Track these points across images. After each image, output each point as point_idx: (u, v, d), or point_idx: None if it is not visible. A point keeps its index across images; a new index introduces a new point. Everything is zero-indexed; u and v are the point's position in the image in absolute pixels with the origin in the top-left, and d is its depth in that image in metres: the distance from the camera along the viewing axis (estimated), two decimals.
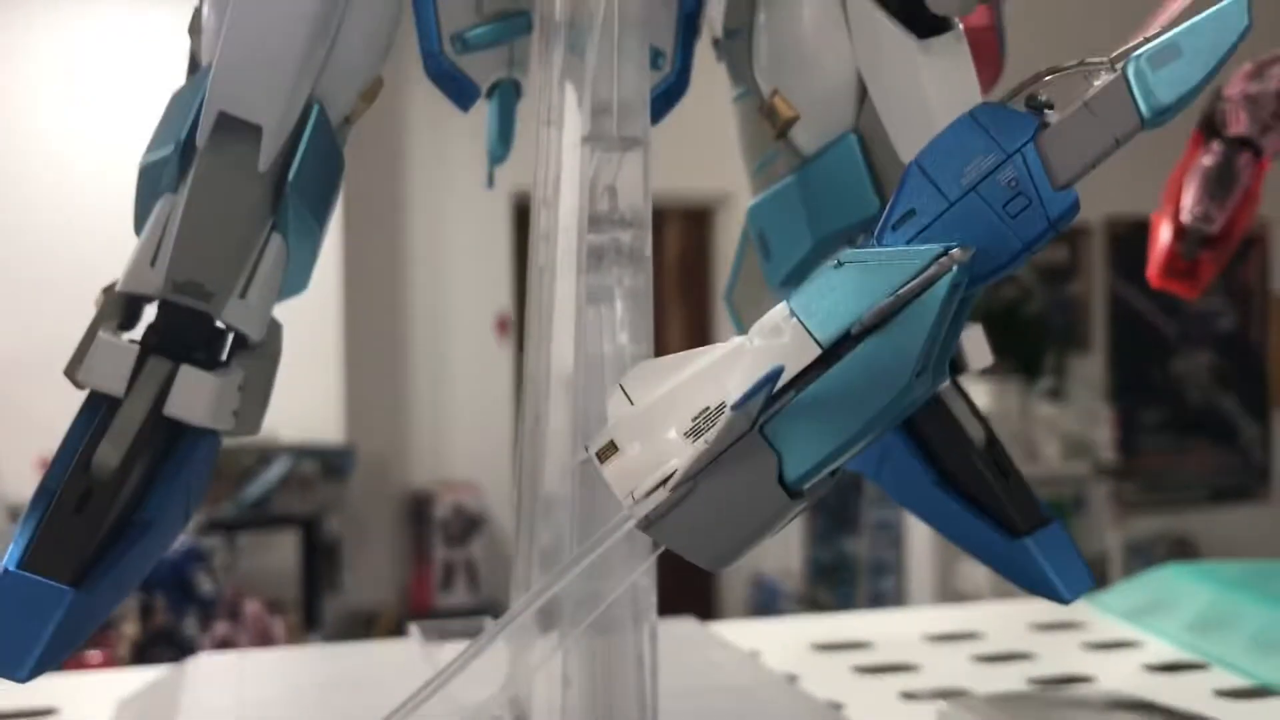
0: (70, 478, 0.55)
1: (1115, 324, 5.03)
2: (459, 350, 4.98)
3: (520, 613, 0.52)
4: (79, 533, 0.54)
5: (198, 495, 0.60)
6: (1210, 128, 1.13)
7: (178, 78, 0.63)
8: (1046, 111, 0.47)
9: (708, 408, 0.47)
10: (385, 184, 4.78)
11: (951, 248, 0.45)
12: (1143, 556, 4.60)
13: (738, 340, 0.48)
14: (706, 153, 3.69)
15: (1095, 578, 0.67)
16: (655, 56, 0.70)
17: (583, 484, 0.58)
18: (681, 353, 0.49)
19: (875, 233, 0.47)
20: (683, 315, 5.24)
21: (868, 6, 0.62)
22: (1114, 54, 0.46)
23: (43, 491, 0.56)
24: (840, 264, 0.46)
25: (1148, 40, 0.45)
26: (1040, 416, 4.60)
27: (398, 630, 4.49)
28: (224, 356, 0.60)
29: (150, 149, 0.59)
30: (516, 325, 4.98)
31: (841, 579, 4.73)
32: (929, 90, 0.60)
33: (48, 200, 4.29)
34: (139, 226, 0.59)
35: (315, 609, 4.20)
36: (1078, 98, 0.46)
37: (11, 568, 0.53)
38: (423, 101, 4.53)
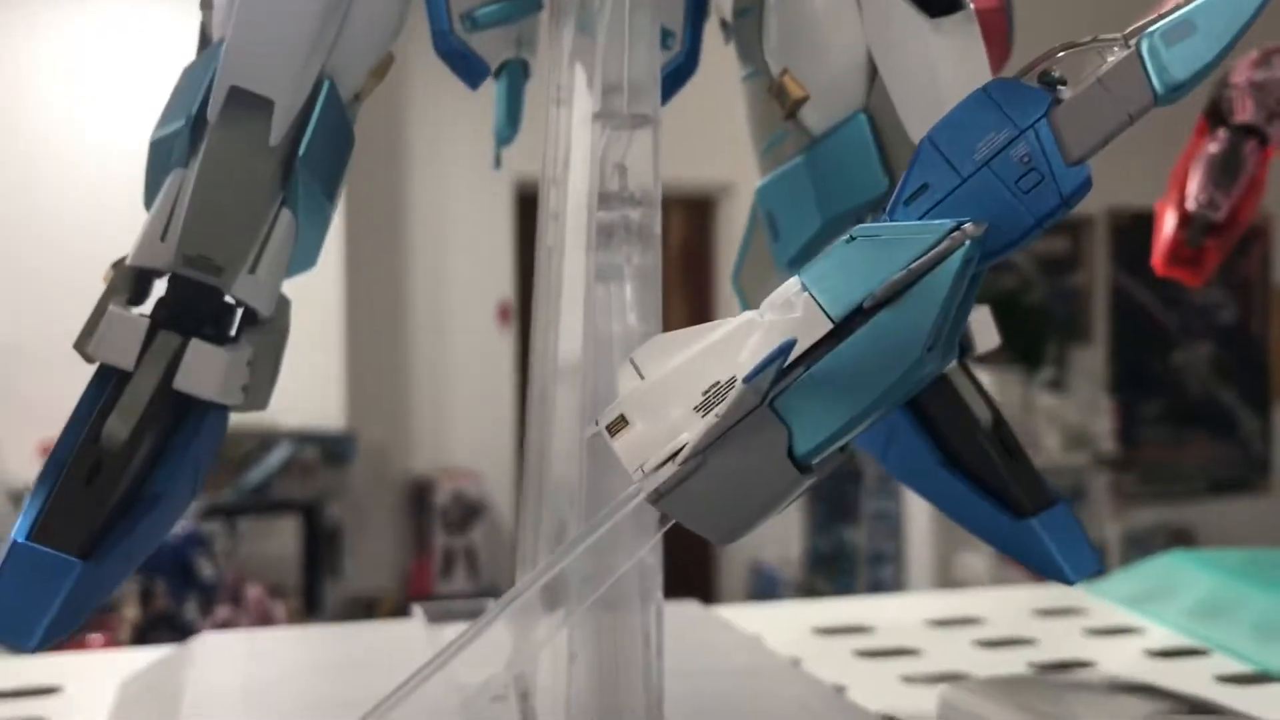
0: (80, 450, 0.55)
1: (1116, 315, 5.04)
2: (460, 338, 4.98)
3: (527, 588, 0.52)
4: (88, 504, 0.54)
5: (205, 470, 0.60)
6: (1216, 115, 1.13)
7: (178, 69, 0.63)
8: (1060, 88, 0.47)
9: (718, 382, 0.47)
10: (387, 171, 4.78)
11: (964, 223, 0.45)
12: (1141, 548, 4.60)
13: (749, 315, 0.48)
14: (708, 142, 3.69)
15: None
16: (665, 36, 0.70)
17: (591, 460, 0.58)
18: (692, 327, 0.49)
19: (888, 208, 0.47)
20: (684, 305, 5.25)
21: None
22: (1127, 30, 0.46)
23: (52, 463, 0.56)
24: (852, 239, 0.47)
25: (1161, 16, 0.45)
26: (1041, 407, 4.60)
27: (398, 616, 4.50)
28: (233, 331, 0.60)
29: (161, 123, 0.59)
30: (518, 313, 4.98)
31: (840, 568, 4.74)
32: (940, 70, 0.60)
33: (50, 189, 4.30)
34: (149, 201, 0.59)
35: (316, 595, 4.21)
36: (1091, 74, 0.46)
37: (21, 539, 0.53)
38: (424, 87, 4.53)
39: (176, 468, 0.57)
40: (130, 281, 0.58)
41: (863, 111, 0.65)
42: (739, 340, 0.47)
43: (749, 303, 0.78)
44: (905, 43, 0.61)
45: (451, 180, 4.89)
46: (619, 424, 0.48)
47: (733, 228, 5.20)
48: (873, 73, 0.64)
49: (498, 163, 0.87)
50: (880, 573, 4.58)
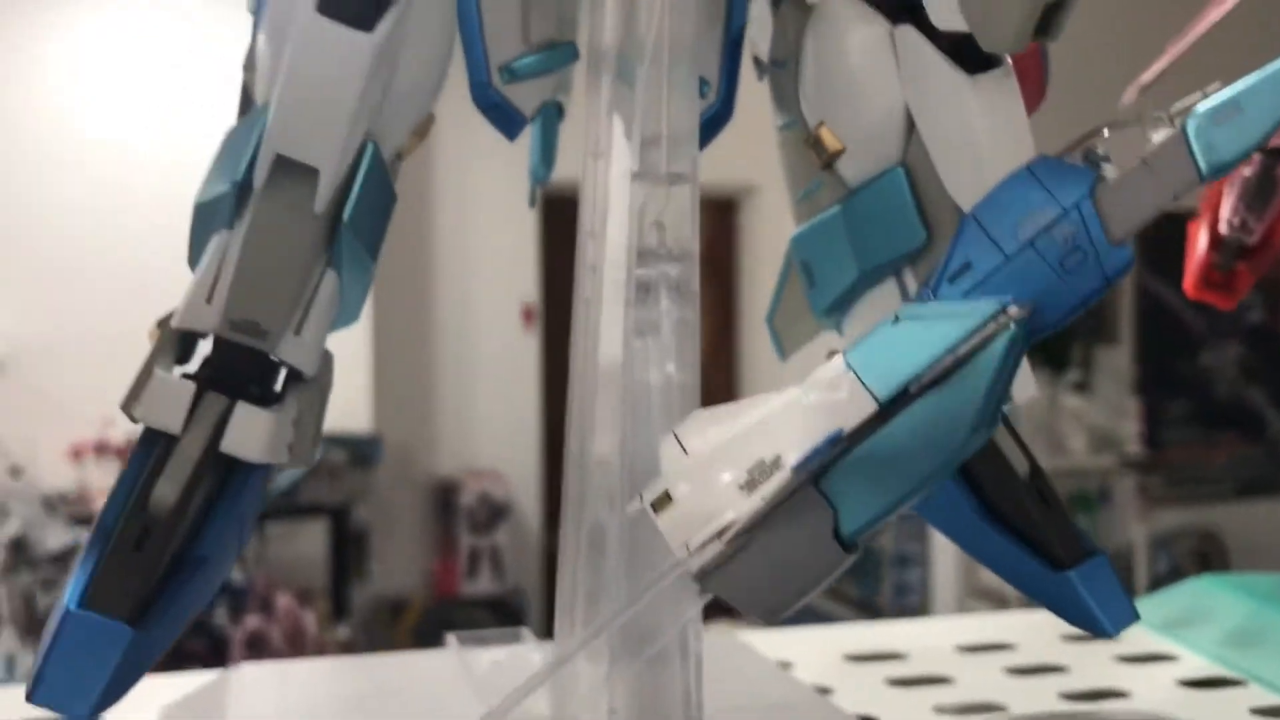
0: (128, 516, 0.56)
1: (1143, 316, 5.00)
2: (485, 340, 5.00)
3: (570, 656, 0.53)
4: (137, 571, 0.55)
5: (250, 528, 0.61)
6: None
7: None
8: (1103, 165, 0.47)
9: (763, 460, 0.47)
10: (412, 173, 4.77)
11: (1008, 304, 0.45)
12: (1168, 550, 4.59)
13: (794, 392, 0.48)
14: (733, 144, 3.68)
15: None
16: (701, 85, 0.70)
17: (631, 523, 0.58)
18: (736, 402, 0.49)
19: (932, 285, 0.47)
20: (710, 305, 5.24)
21: (917, 41, 0.62)
22: (1172, 109, 0.46)
23: (100, 529, 0.56)
24: (897, 319, 0.47)
25: (1206, 95, 0.45)
26: (1067, 409, 4.58)
27: (425, 619, 4.51)
28: (278, 387, 0.61)
29: (206, 186, 0.59)
30: (543, 315, 4.99)
31: (866, 570, 4.73)
32: (978, 126, 0.60)
33: (77, 191, 4.32)
34: (193, 260, 0.60)
35: (343, 597, 4.23)
36: (1136, 154, 0.46)
37: (73, 607, 0.54)
38: (450, 91, 4.53)
39: (223, 529, 0.58)
40: (176, 342, 0.59)
41: (900, 165, 0.65)
42: (783, 419, 0.47)
43: (783, 344, 0.78)
44: (943, 99, 0.61)
45: (476, 181, 4.90)
46: (663, 501, 0.48)
47: (757, 228, 5.19)
48: (910, 127, 0.64)
49: (533, 201, 0.87)
50: (906, 575, 4.57)
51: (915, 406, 0.45)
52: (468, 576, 4.80)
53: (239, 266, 0.57)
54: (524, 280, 5.01)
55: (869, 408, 0.46)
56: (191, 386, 0.57)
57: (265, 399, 0.59)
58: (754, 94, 0.78)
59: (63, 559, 3.21)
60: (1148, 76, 1.14)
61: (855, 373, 0.46)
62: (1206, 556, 4.73)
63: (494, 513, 4.85)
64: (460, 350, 4.99)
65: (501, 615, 4.65)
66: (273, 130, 0.56)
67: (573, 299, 0.69)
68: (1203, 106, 0.45)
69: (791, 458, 0.45)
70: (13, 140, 4.29)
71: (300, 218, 0.57)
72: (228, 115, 0.66)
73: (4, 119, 4.27)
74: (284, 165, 0.57)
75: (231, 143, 0.60)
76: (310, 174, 0.57)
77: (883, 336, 0.47)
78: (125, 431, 4.04)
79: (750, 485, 0.47)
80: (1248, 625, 1.13)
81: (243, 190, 0.58)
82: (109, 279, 4.22)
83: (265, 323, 0.57)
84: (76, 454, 4.15)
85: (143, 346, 0.59)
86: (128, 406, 0.57)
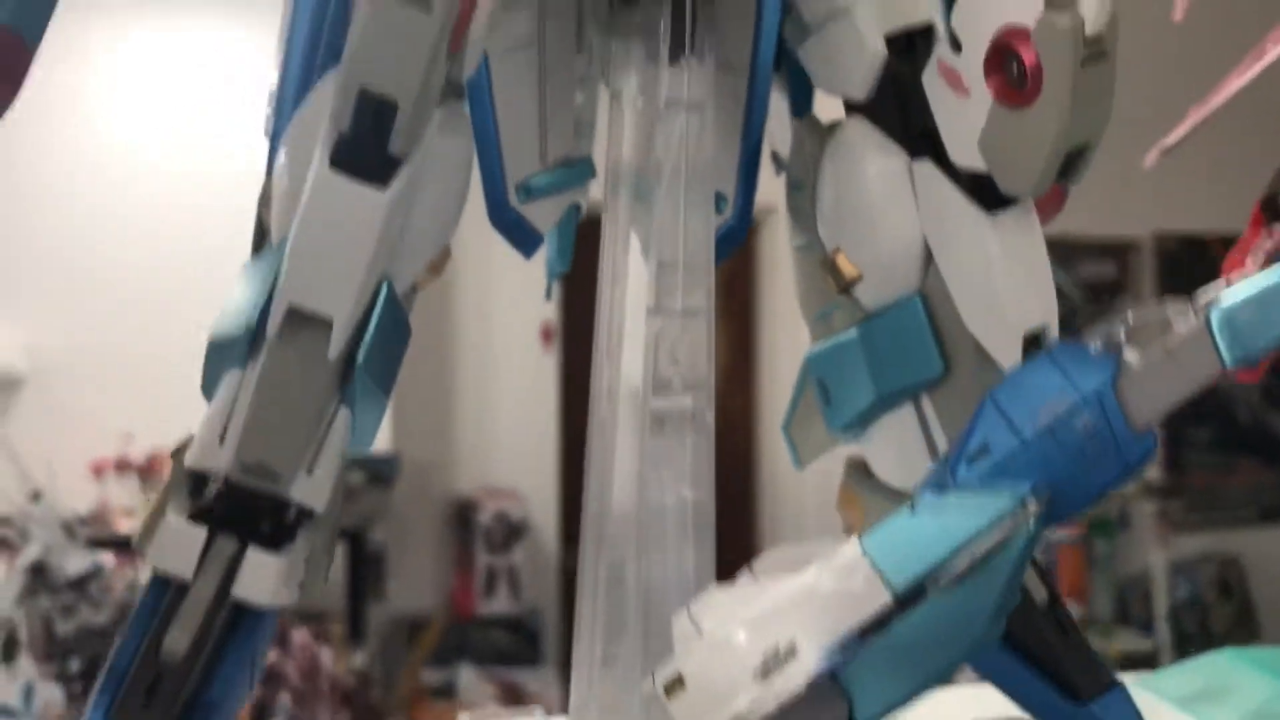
0: (140, 664, 0.55)
1: None
2: (504, 358, 4.99)
3: None
4: None
5: (261, 667, 0.60)
6: (1272, 209, 1.11)
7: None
8: (1125, 352, 0.46)
9: (778, 647, 0.46)
10: None
11: (1026, 497, 0.45)
12: (1188, 577, 4.55)
13: (809, 576, 0.47)
14: None
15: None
16: (718, 200, 0.70)
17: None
18: (752, 583, 0.48)
19: (949, 464, 0.47)
20: (727, 327, 5.24)
21: (935, 176, 0.61)
22: (1196, 301, 0.45)
23: (111, 674, 0.56)
24: (914, 509, 0.46)
25: (1230, 285, 0.44)
26: None
27: (444, 640, 4.51)
28: (290, 517, 0.60)
29: (221, 320, 0.59)
30: (561, 335, 4.99)
31: None
32: (995, 264, 0.60)
33: (100, 207, 4.34)
34: (206, 392, 0.59)
35: (360, 619, 4.23)
36: (1158, 343, 0.45)
37: None
38: None
39: (234, 671, 0.57)
40: (188, 479, 0.58)
41: (918, 294, 0.64)
42: (799, 605, 0.46)
43: (799, 453, 0.78)
44: (961, 235, 0.61)
45: None
46: (676, 685, 0.47)
47: (774, 250, 5.17)
48: (928, 257, 0.64)
49: (549, 294, 0.87)
50: None
51: (932, 601, 0.45)
52: (484, 596, 4.80)
53: (251, 411, 0.56)
54: (542, 299, 4.99)
55: (884, 599, 0.45)
56: (203, 533, 0.57)
57: (277, 535, 0.58)
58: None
59: (81, 584, 3.21)
60: (1171, 140, 1.13)
61: (872, 561, 0.46)
62: (1227, 583, 4.69)
63: (511, 532, 4.85)
64: (479, 369, 4.99)
65: (518, 636, 4.65)
66: (286, 282, 0.56)
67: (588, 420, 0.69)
68: (1227, 298, 0.44)
69: (805, 649, 0.45)
70: (31, 155, 4.31)
71: (313, 365, 0.57)
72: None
73: (22, 132, 4.28)
74: (297, 315, 0.56)
75: (245, 282, 0.59)
76: (324, 323, 0.56)
77: (900, 526, 0.46)
78: (146, 448, 4.07)
79: (764, 672, 0.46)
80: (1271, 705, 1.11)
81: (257, 334, 0.57)
82: (129, 294, 4.23)
83: (277, 466, 0.56)
84: (97, 471, 4.17)
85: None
86: (140, 547, 0.57)
